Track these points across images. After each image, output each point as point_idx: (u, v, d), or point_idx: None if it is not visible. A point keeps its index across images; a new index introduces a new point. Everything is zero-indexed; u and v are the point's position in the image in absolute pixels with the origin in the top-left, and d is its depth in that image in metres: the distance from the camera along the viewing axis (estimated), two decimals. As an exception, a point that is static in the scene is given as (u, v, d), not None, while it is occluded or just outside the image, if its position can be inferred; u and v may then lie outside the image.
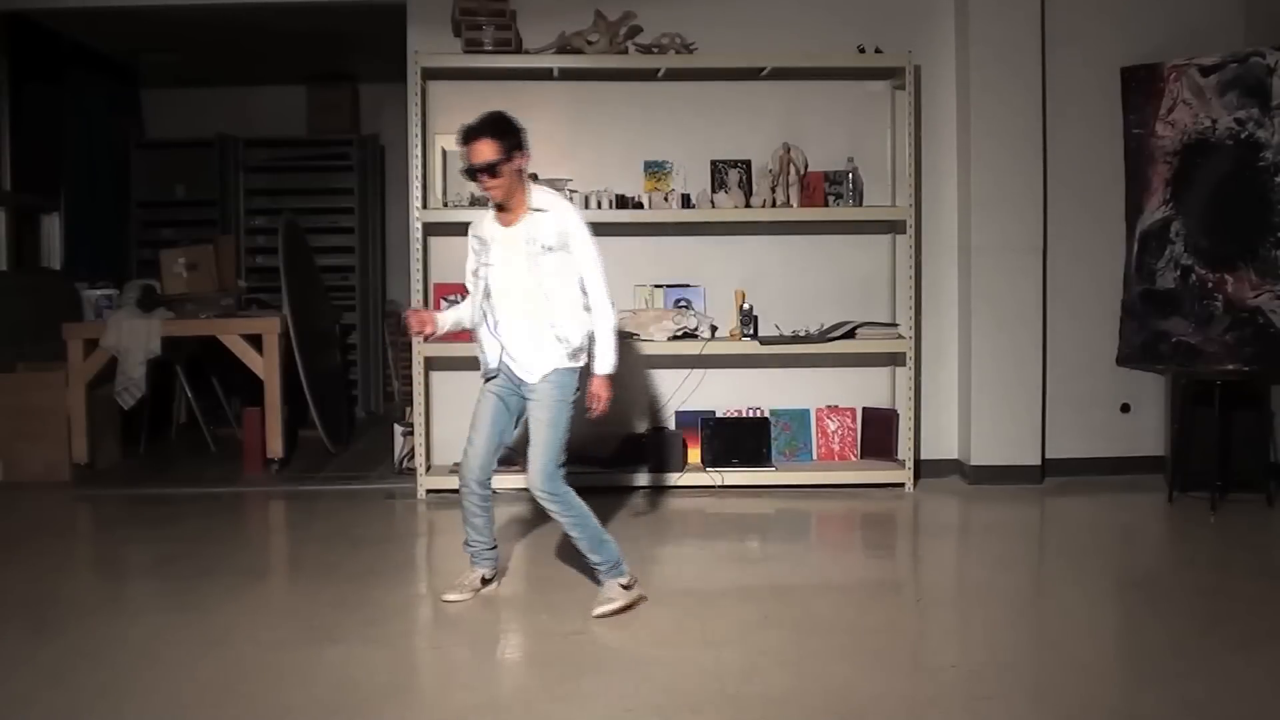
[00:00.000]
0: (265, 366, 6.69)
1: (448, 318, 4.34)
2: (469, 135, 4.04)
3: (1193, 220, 6.13)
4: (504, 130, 4.04)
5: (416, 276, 6.12)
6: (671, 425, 6.38)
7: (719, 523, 5.63)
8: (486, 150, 4.00)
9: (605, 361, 4.15)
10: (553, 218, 4.09)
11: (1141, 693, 3.42)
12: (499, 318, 4.14)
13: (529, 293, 4.09)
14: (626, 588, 4.13)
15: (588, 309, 4.15)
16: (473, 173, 4.04)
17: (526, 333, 4.11)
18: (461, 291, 6.22)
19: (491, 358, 4.18)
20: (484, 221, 4.22)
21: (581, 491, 6.01)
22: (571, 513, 4.12)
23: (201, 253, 7.28)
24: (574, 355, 4.13)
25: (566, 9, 6.22)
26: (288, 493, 6.34)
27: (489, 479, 4.23)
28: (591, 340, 4.16)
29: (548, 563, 4.84)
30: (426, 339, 4.28)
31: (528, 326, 4.11)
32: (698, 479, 6.12)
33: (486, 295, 4.16)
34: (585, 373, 4.19)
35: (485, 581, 4.34)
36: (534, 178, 6.11)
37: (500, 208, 4.13)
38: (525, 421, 4.19)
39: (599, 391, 4.17)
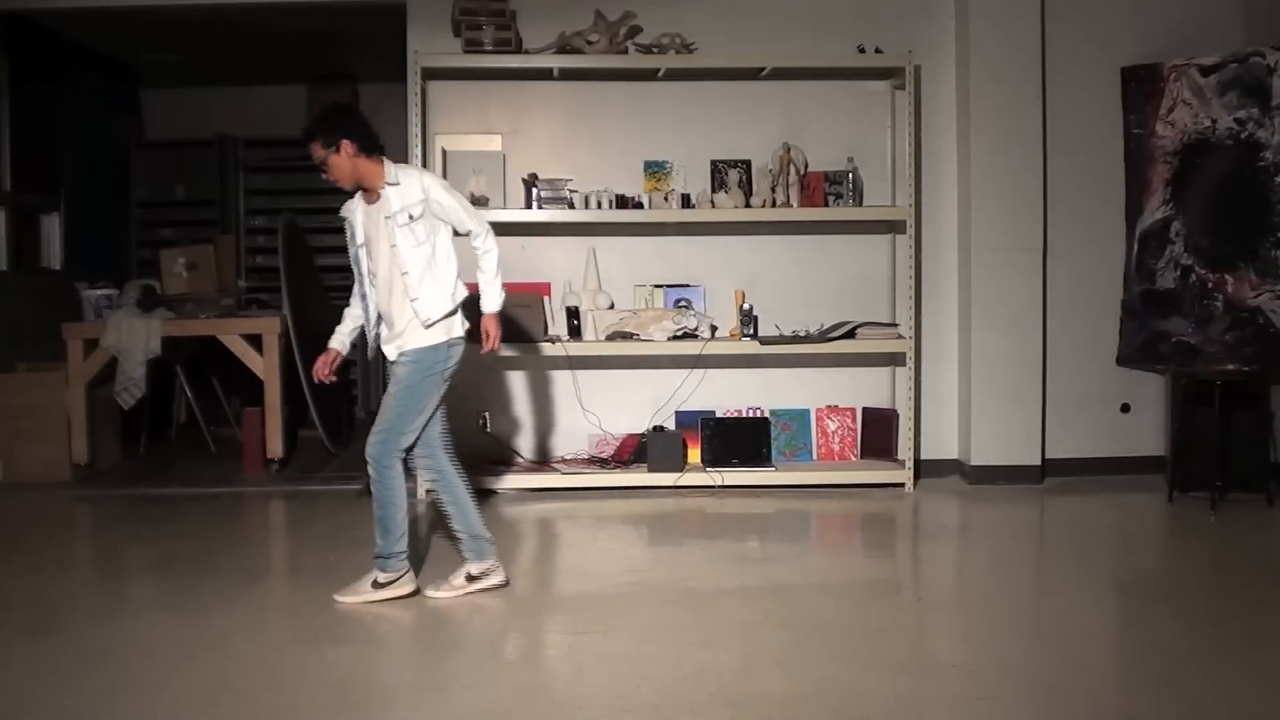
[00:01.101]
0: (265, 366, 6.69)
1: (344, 333, 4.45)
2: (302, 135, 4.23)
3: (1193, 220, 6.13)
4: (322, 128, 4.18)
5: (416, 276, 6.11)
6: (671, 425, 6.38)
7: (719, 523, 5.63)
8: (314, 150, 4.18)
9: (489, 299, 4.26)
10: (404, 188, 4.18)
11: (1141, 692, 3.42)
12: (383, 302, 4.26)
13: (390, 271, 4.20)
14: (379, 585, 4.24)
15: (453, 280, 4.23)
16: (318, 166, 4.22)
17: (392, 311, 4.24)
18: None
19: (372, 338, 4.36)
20: (352, 203, 4.34)
21: (584, 491, 6.06)
22: (383, 490, 4.21)
23: (201, 253, 7.28)
24: (433, 329, 4.20)
25: (566, 9, 6.22)
26: (288, 493, 6.34)
27: (443, 461, 4.33)
28: (461, 306, 4.25)
29: (548, 564, 4.84)
30: (335, 371, 4.46)
31: (392, 305, 4.23)
32: (698, 479, 6.11)
33: (364, 276, 4.31)
34: (459, 346, 4.26)
35: (472, 577, 4.33)
36: (534, 177, 6.18)
37: (364, 189, 4.25)
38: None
39: (488, 327, 4.29)
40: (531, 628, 4.01)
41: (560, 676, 3.52)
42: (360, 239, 4.27)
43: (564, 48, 6.12)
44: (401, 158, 6.39)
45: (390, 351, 4.28)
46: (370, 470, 4.22)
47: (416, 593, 4.30)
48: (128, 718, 3.24)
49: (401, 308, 4.21)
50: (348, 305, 4.47)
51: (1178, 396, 6.03)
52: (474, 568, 4.33)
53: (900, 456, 6.25)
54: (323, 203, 9.04)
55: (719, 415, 6.36)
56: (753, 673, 3.51)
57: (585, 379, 6.40)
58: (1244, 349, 5.92)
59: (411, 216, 4.15)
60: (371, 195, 4.23)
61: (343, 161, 4.15)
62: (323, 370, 4.42)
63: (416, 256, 4.17)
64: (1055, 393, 6.44)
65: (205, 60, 8.66)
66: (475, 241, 4.25)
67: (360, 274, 4.31)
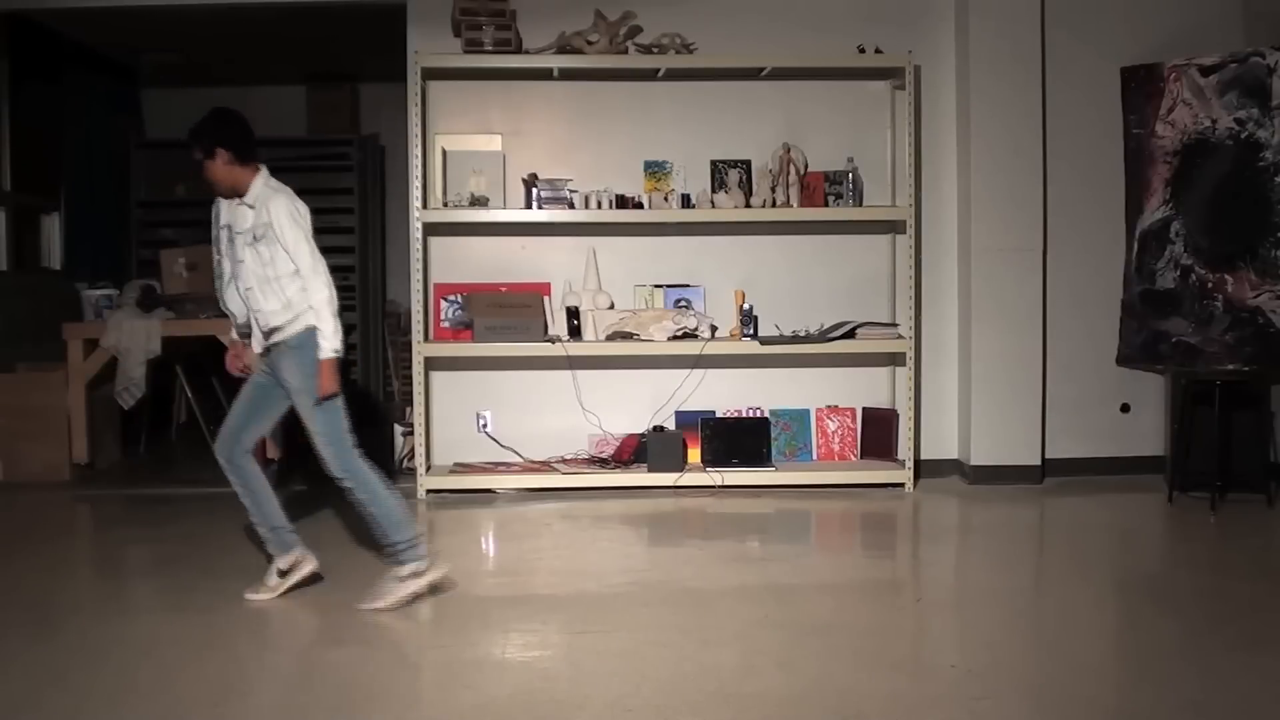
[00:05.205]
0: (265, 366, 6.69)
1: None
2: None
3: (1192, 220, 6.13)
4: (200, 134, 4.17)
5: (416, 276, 6.12)
6: (671, 425, 6.38)
7: (719, 523, 5.63)
8: (194, 153, 4.18)
9: (326, 344, 4.11)
10: (258, 210, 4.16)
11: (1141, 693, 3.42)
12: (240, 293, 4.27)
13: (242, 276, 4.20)
14: (411, 576, 4.18)
15: (294, 295, 4.17)
16: None
17: (256, 315, 4.23)
18: (460, 290, 6.28)
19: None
20: (226, 203, 4.32)
21: (584, 491, 6.06)
22: (365, 490, 4.21)
23: (201, 253, 7.25)
24: (270, 334, 4.20)
25: (566, 9, 6.22)
26: (287, 493, 6.32)
27: (239, 455, 4.29)
28: (301, 323, 4.17)
29: (548, 564, 4.85)
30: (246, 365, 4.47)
31: (253, 308, 4.23)
32: (698, 479, 6.11)
33: (224, 259, 4.31)
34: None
35: (283, 573, 4.32)
36: (534, 177, 6.18)
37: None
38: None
39: (324, 375, 4.13)
40: (531, 627, 4.01)
41: (560, 676, 3.52)
42: (223, 224, 4.27)
43: (564, 48, 6.13)
44: (402, 157, 6.42)
45: (255, 346, 4.28)
46: (347, 484, 4.20)
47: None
48: (128, 718, 3.24)
49: (254, 313, 4.23)
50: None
51: (1178, 396, 6.03)
52: (282, 562, 4.33)
53: (900, 456, 6.25)
54: (323, 203, 9.07)
55: (719, 415, 6.36)
56: (752, 672, 3.51)
57: (585, 379, 6.40)
58: (1244, 349, 5.92)
59: (255, 237, 4.14)
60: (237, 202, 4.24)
61: (218, 168, 4.16)
62: (235, 364, 4.44)
63: (262, 276, 4.15)
64: (1055, 393, 6.45)
65: (205, 60, 8.66)
66: (305, 283, 4.11)
67: (220, 255, 4.32)
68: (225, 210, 4.29)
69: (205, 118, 4.24)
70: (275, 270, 4.14)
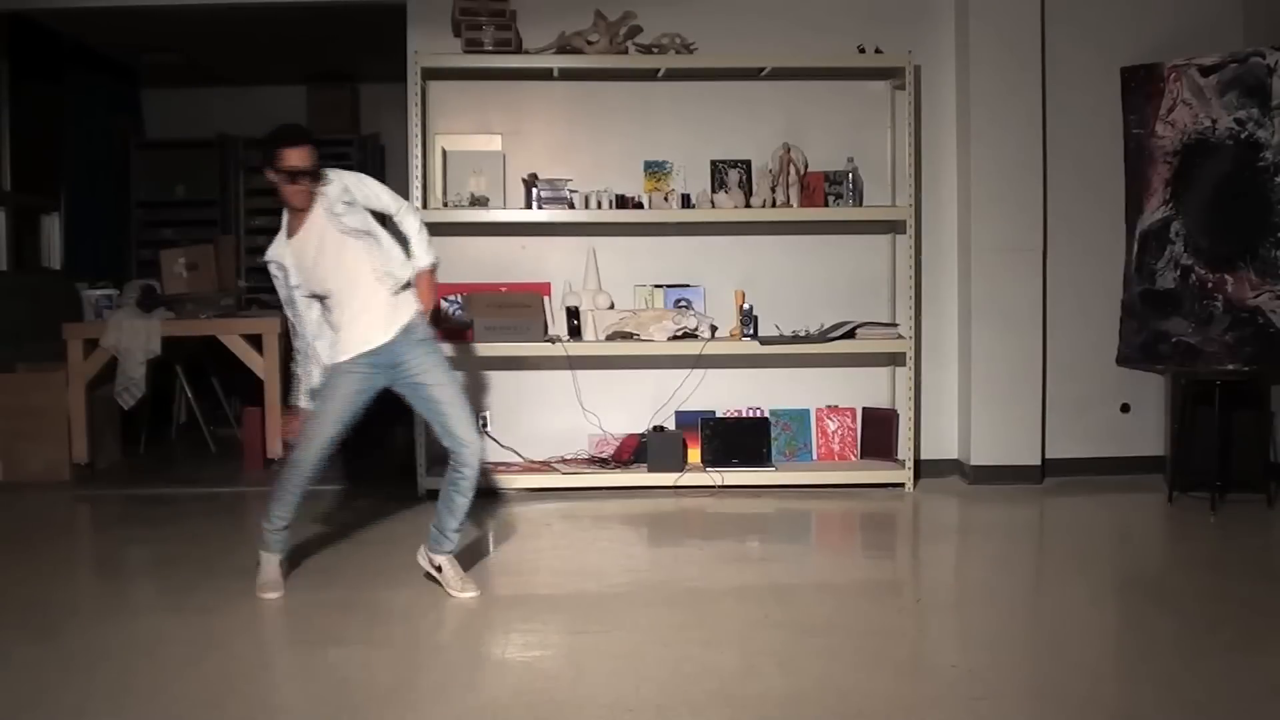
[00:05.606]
0: (265, 366, 6.69)
1: (312, 375, 4.39)
2: (299, 137, 4.16)
3: (1192, 220, 6.13)
4: (315, 146, 4.21)
5: (416, 276, 6.12)
6: (671, 425, 6.38)
7: (719, 523, 5.63)
8: (307, 156, 4.15)
9: (424, 256, 4.31)
10: (335, 185, 4.22)
11: (1141, 693, 3.42)
12: (348, 305, 4.23)
13: (348, 269, 4.20)
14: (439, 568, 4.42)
15: (400, 252, 4.30)
16: (295, 175, 4.13)
17: (370, 302, 4.22)
18: (460, 290, 6.28)
19: (348, 351, 4.28)
20: (278, 246, 4.29)
21: (584, 491, 6.06)
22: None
23: (201, 253, 7.28)
24: (407, 300, 4.29)
25: (566, 9, 6.22)
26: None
27: (322, 464, 4.35)
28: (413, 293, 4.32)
29: (548, 564, 4.85)
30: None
31: (368, 298, 4.22)
32: (698, 479, 6.11)
33: (321, 299, 4.28)
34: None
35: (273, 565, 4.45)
36: (534, 177, 6.19)
37: (292, 217, 4.26)
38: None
39: (421, 287, 4.31)
40: (531, 628, 4.01)
41: (560, 676, 3.52)
42: (295, 277, 4.25)
43: (564, 48, 6.13)
44: (402, 158, 6.42)
45: (387, 335, 4.23)
46: (476, 471, 4.33)
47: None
48: (130, 718, 3.24)
49: (373, 293, 4.22)
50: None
51: (1178, 396, 6.03)
52: (275, 555, 4.47)
53: (900, 456, 6.25)
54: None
55: (719, 415, 6.36)
56: (752, 672, 3.52)
57: (585, 379, 6.40)
58: (1244, 349, 5.92)
59: (348, 203, 4.21)
60: (297, 221, 4.23)
61: (311, 187, 4.18)
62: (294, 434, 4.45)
63: (364, 232, 4.21)
64: (1055, 393, 6.45)
65: (205, 60, 8.67)
66: (398, 215, 4.33)
67: (299, 314, 4.29)
68: (287, 251, 4.25)
69: (308, 133, 4.22)
70: (375, 229, 4.26)
